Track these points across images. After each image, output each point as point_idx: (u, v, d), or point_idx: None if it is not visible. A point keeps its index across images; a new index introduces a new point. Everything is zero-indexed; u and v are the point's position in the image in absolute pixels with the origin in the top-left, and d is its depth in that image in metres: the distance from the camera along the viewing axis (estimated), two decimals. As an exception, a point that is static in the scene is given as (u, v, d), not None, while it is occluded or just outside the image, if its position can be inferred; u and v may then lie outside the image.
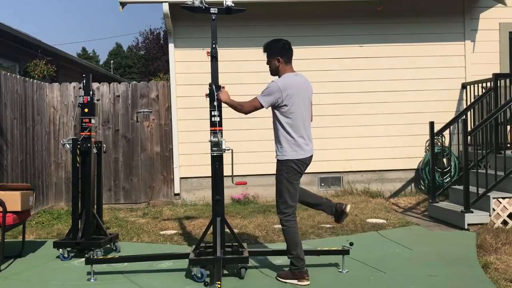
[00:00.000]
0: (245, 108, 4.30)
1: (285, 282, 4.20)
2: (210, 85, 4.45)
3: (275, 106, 4.20)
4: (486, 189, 6.14)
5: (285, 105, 4.15)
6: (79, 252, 5.16)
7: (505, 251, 4.97)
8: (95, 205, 5.37)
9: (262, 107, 4.20)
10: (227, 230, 4.52)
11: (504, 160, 6.39)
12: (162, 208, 7.71)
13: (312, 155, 4.28)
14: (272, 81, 4.25)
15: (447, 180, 7.82)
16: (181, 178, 8.18)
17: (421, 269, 4.51)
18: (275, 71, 4.34)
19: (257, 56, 8.34)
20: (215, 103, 4.41)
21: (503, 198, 6.09)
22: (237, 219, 6.68)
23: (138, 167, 8.20)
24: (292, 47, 4.47)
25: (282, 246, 5.42)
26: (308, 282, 4.17)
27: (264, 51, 4.37)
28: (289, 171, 4.18)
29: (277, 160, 4.26)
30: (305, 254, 4.68)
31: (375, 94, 8.33)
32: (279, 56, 4.29)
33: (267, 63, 4.37)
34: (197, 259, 4.30)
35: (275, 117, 4.27)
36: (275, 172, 4.28)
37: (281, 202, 4.23)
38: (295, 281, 4.18)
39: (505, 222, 6.06)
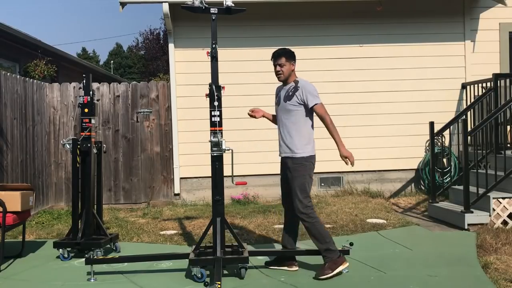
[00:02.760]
0: (328, 117, 4.41)
1: (331, 277, 4.26)
2: (210, 85, 4.46)
3: (305, 104, 4.38)
4: (486, 189, 6.14)
5: None
6: (79, 252, 5.16)
7: (505, 251, 4.97)
8: (95, 205, 5.37)
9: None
10: (227, 230, 4.52)
11: (504, 160, 6.39)
12: (162, 208, 7.71)
13: None
14: (296, 80, 4.47)
15: (447, 180, 7.82)
16: (181, 178, 8.18)
17: (421, 269, 4.51)
18: (288, 75, 4.49)
19: (257, 56, 8.42)
20: (215, 103, 4.41)
21: (503, 198, 6.09)
22: (237, 219, 6.68)
23: (138, 167, 8.20)
24: (293, 47, 4.57)
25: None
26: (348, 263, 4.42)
27: (281, 56, 4.46)
28: (311, 166, 4.44)
29: (298, 157, 4.38)
30: (305, 254, 4.70)
31: (375, 94, 8.33)
32: (293, 61, 4.50)
33: (281, 67, 4.45)
34: (197, 259, 4.30)
35: (300, 116, 4.41)
36: (293, 170, 4.37)
37: (304, 197, 4.36)
38: (340, 268, 4.31)
39: (505, 222, 6.06)
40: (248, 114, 4.75)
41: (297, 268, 4.57)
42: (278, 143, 4.58)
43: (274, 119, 4.77)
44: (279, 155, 4.59)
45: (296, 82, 4.47)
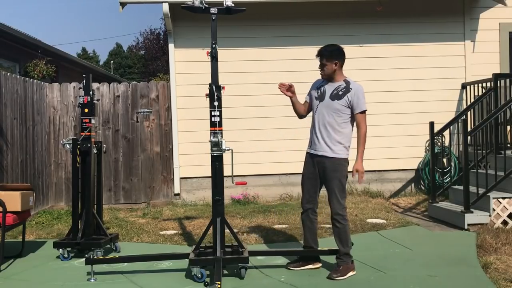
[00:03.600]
0: (365, 128, 4.39)
1: (345, 279, 4.29)
2: (210, 85, 4.46)
3: (352, 108, 4.38)
4: (486, 189, 6.14)
5: None
6: (79, 252, 5.16)
7: (505, 251, 4.97)
8: (95, 205, 5.37)
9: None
10: (227, 230, 4.52)
11: (504, 160, 6.39)
12: (162, 208, 7.71)
13: None
14: (347, 81, 4.44)
15: (447, 180, 7.82)
16: (181, 178, 8.18)
17: (421, 269, 4.51)
18: (331, 74, 4.45)
19: (257, 56, 8.42)
20: (215, 103, 4.41)
21: (503, 198, 6.09)
22: (237, 219, 6.68)
23: (138, 167, 8.20)
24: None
25: (282, 246, 5.44)
26: None
27: (322, 57, 4.43)
28: (347, 166, 4.43)
29: (340, 157, 4.36)
30: (305, 254, 4.70)
31: (375, 94, 8.31)
32: (337, 60, 4.43)
33: (323, 67, 4.43)
34: (197, 259, 4.30)
35: (347, 117, 4.39)
36: (333, 170, 4.35)
37: (342, 197, 4.39)
38: (350, 274, 4.35)
39: (505, 222, 6.06)
40: (279, 87, 4.61)
41: (320, 264, 4.65)
42: (312, 140, 4.50)
43: (298, 107, 4.68)
44: (312, 152, 4.48)
45: (348, 82, 4.42)
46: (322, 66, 4.44)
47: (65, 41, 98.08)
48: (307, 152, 4.58)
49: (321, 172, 4.43)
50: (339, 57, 4.44)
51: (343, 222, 4.37)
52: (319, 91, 4.51)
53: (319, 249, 4.68)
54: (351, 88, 4.38)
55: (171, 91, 8.13)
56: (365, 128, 4.37)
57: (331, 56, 4.41)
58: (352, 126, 4.47)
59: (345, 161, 4.41)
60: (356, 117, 4.38)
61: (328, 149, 4.38)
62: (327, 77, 4.46)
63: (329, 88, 4.45)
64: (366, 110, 4.39)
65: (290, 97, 4.65)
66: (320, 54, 4.44)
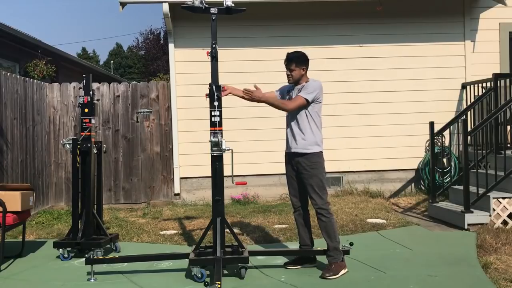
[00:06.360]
0: (290, 106, 4.46)
1: (337, 277, 4.30)
2: (210, 85, 4.46)
3: (312, 102, 4.46)
4: (486, 189, 6.14)
5: (320, 102, 4.53)
6: (79, 252, 5.16)
7: (505, 251, 4.97)
8: (95, 205, 5.37)
9: (307, 103, 4.42)
10: (227, 230, 4.52)
11: (504, 160, 6.39)
12: (162, 208, 7.71)
13: None
14: (308, 81, 4.52)
15: (447, 180, 7.82)
16: (181, 178, 8.18)
17: (421, 269, 4.51)
18: (298, 79, 4.54)
19: (257, 56, 8.43)
20: (215, 103, 4.42)
21: (503, 198, 6.09)
22: (237, 219, 6.69)
23: (138, 167, 8.20)
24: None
25: (282, 246, 5.44)
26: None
27: (291, 62, 4.50)
28: (323, 162, 4.51)
29: (312, 153, 4.43)
30: (306, 254, 4.70)
31: (375, 94, 8.33)
32: (305, 65, 4.54)
33: (291, 72, 4.51)
34: (197, 259, 4.30)
35: (309, 114, 4.47)
36: (306, 168, 4.43)
37: (324, 192, 4.47)
38: (342, 272, 4.38)
39: (505, 222, 6.06)
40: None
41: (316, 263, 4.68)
42: (287, 140, 4.61)
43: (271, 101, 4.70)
44: (288, 151, 4.59)
45: (307, 82, 4.55)
46: (290, 71, 4.52)
47: (65, 41, 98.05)
48: (285, 153, 4.69)
49: (299, 170, 4.52)
50: (306, 63, 4.55)
51: (328, 215, 4.44)
52: (288, 95, 4.68)
53: (319, 249, 4.68)
54: (307, 82, 4.52)
55: (171, 91, 8.13)
56: (291, 106, 4.41)
57: (300, 62, 4.52)
58: (320, 119, 4.54)
59: (319, 155, 4.47)
60: (297, 96, 4.43)
61: (300, 146, 4.48)
62: (295, 82, 4.56)
63: (295, 91, 4.60)
64: (307, 100, 4.40)
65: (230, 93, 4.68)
66: (289, 60, 4.52)
